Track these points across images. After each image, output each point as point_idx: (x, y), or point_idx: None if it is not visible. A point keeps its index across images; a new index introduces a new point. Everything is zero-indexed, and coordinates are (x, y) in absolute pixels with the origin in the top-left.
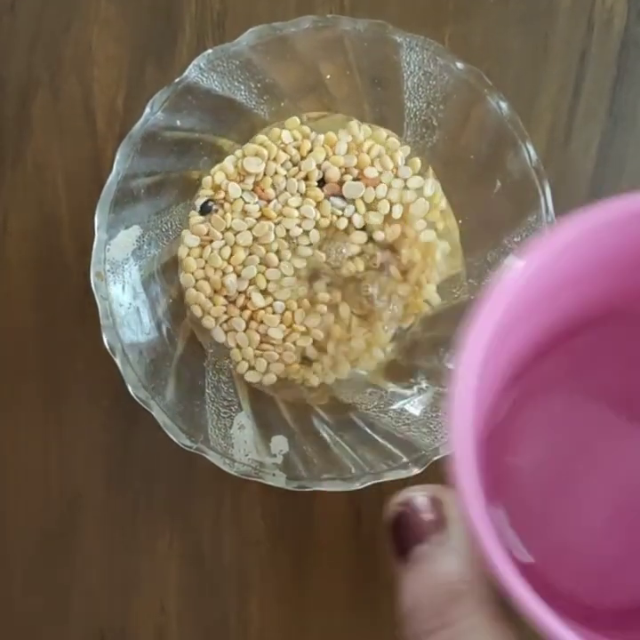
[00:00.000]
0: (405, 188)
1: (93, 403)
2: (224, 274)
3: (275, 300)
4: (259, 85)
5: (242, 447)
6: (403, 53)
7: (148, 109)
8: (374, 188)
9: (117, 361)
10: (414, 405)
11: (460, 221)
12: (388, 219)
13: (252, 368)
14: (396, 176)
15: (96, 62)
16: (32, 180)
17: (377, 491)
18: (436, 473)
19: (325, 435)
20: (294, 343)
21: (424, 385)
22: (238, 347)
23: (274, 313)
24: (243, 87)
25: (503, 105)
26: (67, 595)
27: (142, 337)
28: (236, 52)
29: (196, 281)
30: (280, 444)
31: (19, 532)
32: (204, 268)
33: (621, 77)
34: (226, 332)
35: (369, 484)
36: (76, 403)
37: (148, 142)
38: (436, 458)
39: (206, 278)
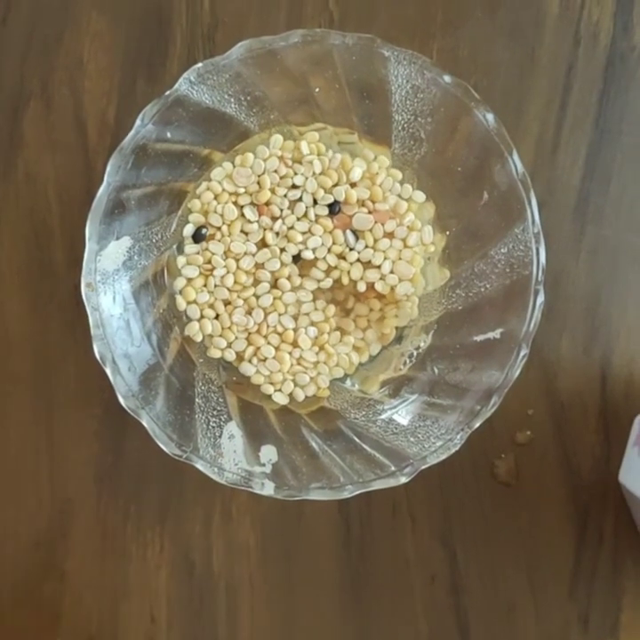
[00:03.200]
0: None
1: (84, 412)
2: (234, 307)
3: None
4: (248, 98)
5: (231, 456)
6: (391, 67)
7: (138, 121)
8: (383, 223)
9: (108, 371)
10: (402, 415)
11: (448, 233)
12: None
13: (278, 391)
14: (400, 223)
15: (87, 74)
16: (23, 190)
17: (365, 499)
18: (424, 482)
19: (314, 444)
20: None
21: (412, 395)
22: (266, 374)
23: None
24: (233, 100)
25: (490, 117)
26: (57, 603)
27: (132, 347)
28: (226, 66)
29: (202, 318)
30: (269, 453)
31: (8, 540)
32: (212, 306)
33: (607, 91)
34: (248, 361)
35: (357, 492)
36: (67, 412)
37: (138, 154)
38: (423, 467)
39: (217, 316)
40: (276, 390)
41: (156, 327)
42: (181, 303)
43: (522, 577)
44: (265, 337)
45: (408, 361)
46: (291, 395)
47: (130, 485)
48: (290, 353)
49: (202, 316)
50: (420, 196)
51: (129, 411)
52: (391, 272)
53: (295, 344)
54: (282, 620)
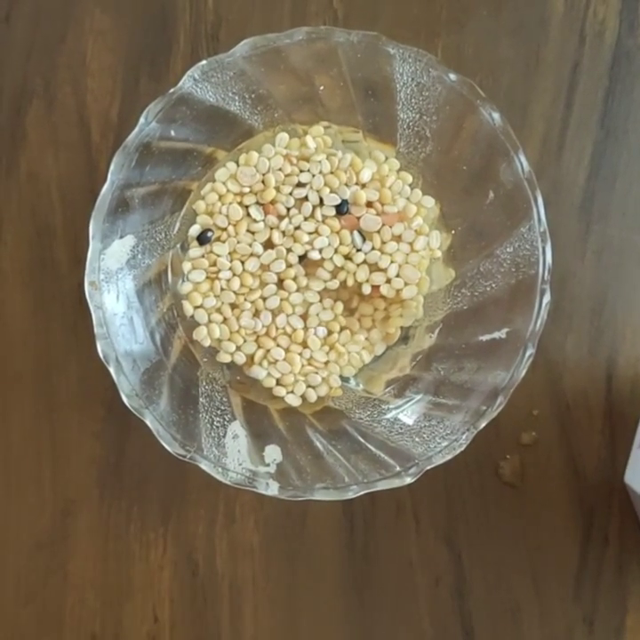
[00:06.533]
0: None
1: (87, 412)
2: (242, 310)
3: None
4: (253, 96)
5: (235, 456)
6: (396, 65)
7: (142, 120)
8: (391, 226)
9: (111, 370)
10: (407, 415)
11: (453, 232)
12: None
13: (291, 392)
14: (409, 227)
15: (90, 72)
16: (26, 189)
17: (370, 500)
18: (428, 483)
19: (319, 444)
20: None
21: (417, 395)
22: (277, 376)
23: (315, 336)
24: (237, 98)
25: (496, 116)
26: (60, 603)
27: (136, 346)
28: (230, 63)
29: (210, 322)
30: (273, 453)
31: (12, 541)
32: (219, 310)
33: (613, 89)
34: (259, 364)
35: (362, 493)
36: (70, 412)
37: (142, 152)
38: (428, 467)
39: (225, 320)
40: (288, 392)
41: (159, 326)
42: (188, 309)
43: (526, 578)
44: (274, 339)
45: (412, 361)
46: (303, 396)
47: (133, 486)
48: (300, 354)
49: (209, 321)
50: (429, 200)
51: (132, 410)
52: (397, 276)
53: (305, 345)
54: (285, 620)
